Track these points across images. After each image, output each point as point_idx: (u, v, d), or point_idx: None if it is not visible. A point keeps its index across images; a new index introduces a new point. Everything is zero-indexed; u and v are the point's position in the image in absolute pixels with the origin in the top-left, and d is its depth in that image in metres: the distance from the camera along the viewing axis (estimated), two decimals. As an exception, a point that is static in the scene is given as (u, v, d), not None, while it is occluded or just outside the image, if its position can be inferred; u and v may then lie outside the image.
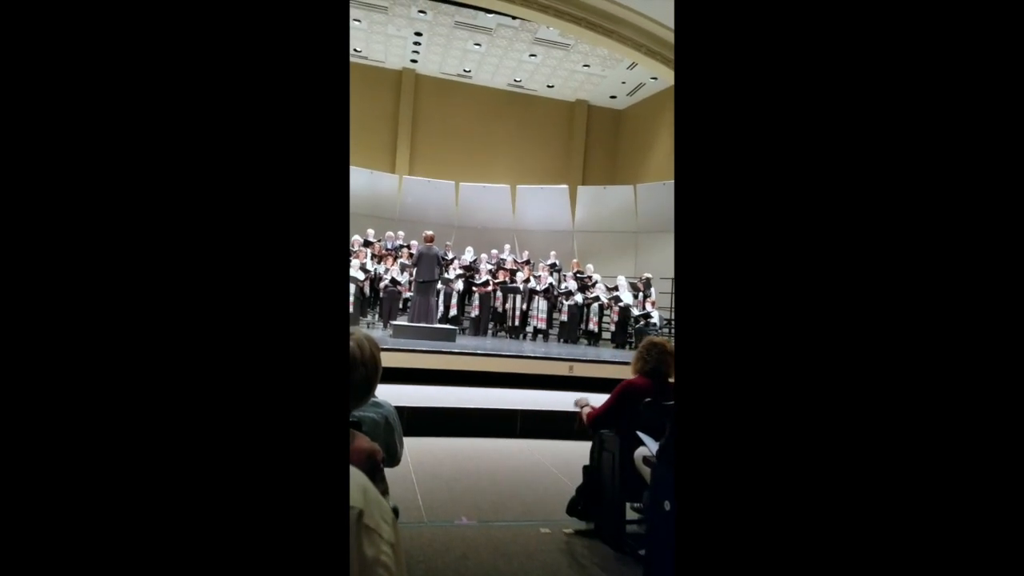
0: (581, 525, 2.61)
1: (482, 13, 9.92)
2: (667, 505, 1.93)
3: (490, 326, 8.82)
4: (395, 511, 0.70)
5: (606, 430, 2.58)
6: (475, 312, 8.62)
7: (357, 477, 0.64)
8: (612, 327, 8.65)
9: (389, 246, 9.22)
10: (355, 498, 0.61)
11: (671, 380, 2.55)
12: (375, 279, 8.37)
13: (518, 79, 13.11)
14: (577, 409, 2.72)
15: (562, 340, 8.65)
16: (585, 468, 2.69)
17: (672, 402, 2.39)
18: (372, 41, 11.91)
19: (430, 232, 7.66)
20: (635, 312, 8.31)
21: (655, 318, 8.17)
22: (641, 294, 8.57)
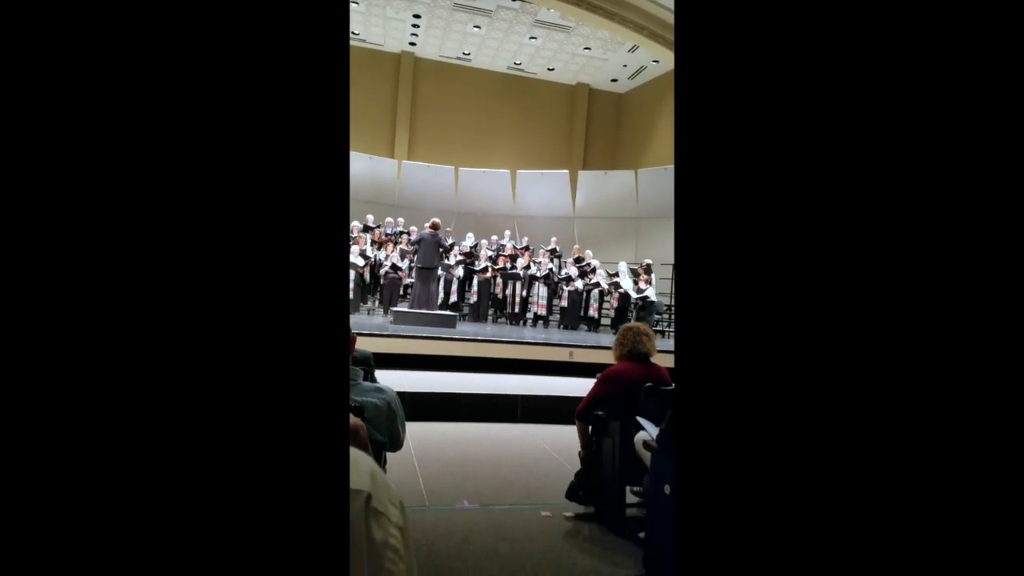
0: (581, 509, 2.64)
1: (482, -6, 9.78)
2: (667, 489, 1.96)
3: (490, 312, 8.84)
4: None
5: (602, 413, 2.60)
6: (475, 298, 8.63)
7: (365, 461, 0.65)
8: (612, 313, 8.67)
9: (389, 232, 9.20)
10: (363, 482, 0.62)
11: (653, 360, 2.59)
12: (375, 265, 8.37)
13: (518, 62, 12.97)
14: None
15: (562, 326, 8.68)
16: (586, 454, 2.72)
17: (669, 388, 2.41)
18: (370, 24, 11.76)
19: (436, 220, 7.61)
20: (633, 296, 8.30)
21: (653, 296, 8.14)
22: (641, 277, 8.54)
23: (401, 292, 8.35)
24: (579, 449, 2.69)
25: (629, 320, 8.26)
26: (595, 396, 2.57)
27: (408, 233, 9.08)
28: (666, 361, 2.78)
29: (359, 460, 0.65)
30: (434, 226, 7.46)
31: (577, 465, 2.74)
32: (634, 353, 2.57)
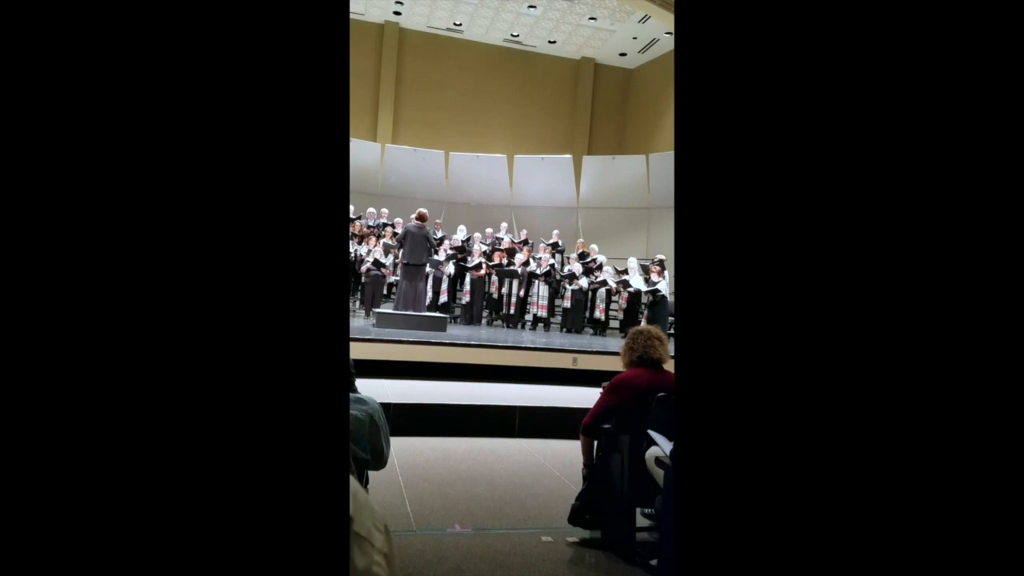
0: (586, 533, 2.65)
1: (474, -42, 9.78)
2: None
3: (484, 314, 8.85)
4: None
5: (609, 426, 2.61)
6: (467, 299, 8.64)
7: (345, 481, 0.66)
8: (621, 315, 8.69)
9: (371, 224, 9.20)
10: None
11: (666, 367, 2.60)
12: (356, 262, 8.37)
13: (516, 34, 12.96)
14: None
15: (565, 329, 8.69)
16: (589, 471, 2.73)
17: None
18: (349, -10, 11.72)
19: (423, 210, 7.61)
20: (644, 289, 8.27)
21: (665, 291, 8.12)
22: (653, 270, 8.50)
23: (385, 291, 8.35)
24: (583, 466, 2.70)
25: (640, 322, 8.28)
26: (603, 408, 2.58)
27: (392, 225, 9.08)
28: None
29: (339, 479, 0.65)
30: (421, 217, 7.44)
31: (581, 484, 2.75)
32: (645, 359, 2.58)
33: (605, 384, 2.66)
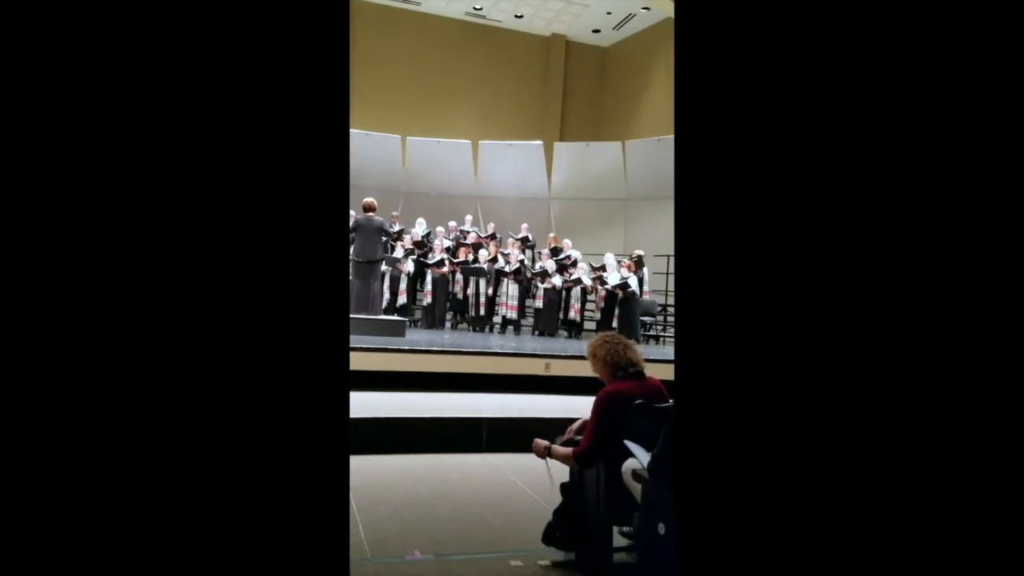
0: (560, 556, 2.66)
1: (432, -78, 9.73)
2: (662, 528, 1.99)
3: (448, 316, 8.82)
4: None
5: (579, 437, 2.61)
6: (428, 299, 8.60)
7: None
8: (598, 315, 8.76)
9: (319, 218, 9.07)
10: None
11: (646, 374, 2.61)
12: (302, 259, 8.25)
13: (479, 7, 12.95)
14: (543, 456, 2.67)
15: (537, 332, 8.73)
16: (563, 486, 2.74)
17: (664, 405, 2.44)
18: (292, -44, 11.55)
19: (370, 199, 7.54)
20: (612, 283, 8.30)
21: (634, 285, 8.17)
22: (623, 264, 8.55)
23: (335, 293, 8.24)
24: (560, 481, 2.70)
25: (615, 327, 8.34)
26: (599, 428, 2.52)
27: (343, 219, 8.97)
28: (661, 372, 2.82)
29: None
30: (369, 207, 7.34)
31: (553, 501, 2.76)
32: (631, 369, 2.56)
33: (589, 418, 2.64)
